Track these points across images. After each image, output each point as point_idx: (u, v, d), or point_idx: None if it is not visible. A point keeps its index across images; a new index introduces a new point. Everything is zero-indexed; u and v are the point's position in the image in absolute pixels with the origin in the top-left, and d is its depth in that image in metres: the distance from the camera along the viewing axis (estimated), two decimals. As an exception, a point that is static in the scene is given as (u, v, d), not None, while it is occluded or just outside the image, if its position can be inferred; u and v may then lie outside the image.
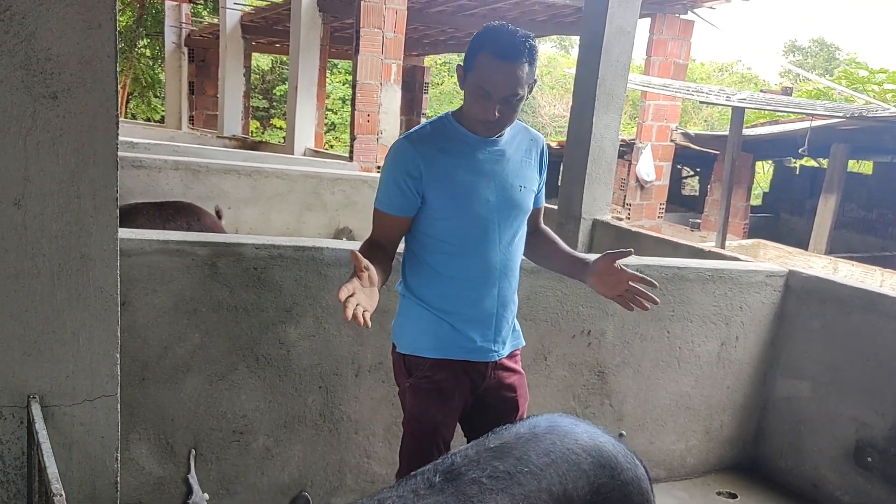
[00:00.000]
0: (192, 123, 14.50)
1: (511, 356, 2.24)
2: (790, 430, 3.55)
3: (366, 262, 1.83)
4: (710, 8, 8.96)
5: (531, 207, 2.19)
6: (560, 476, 1.71)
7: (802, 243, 11.54)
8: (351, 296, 1.74)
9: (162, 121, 16.98)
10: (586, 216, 4.57)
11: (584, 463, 1.76)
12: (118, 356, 1.84)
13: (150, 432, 2.54)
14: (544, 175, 2.23)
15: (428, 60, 18.05)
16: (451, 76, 25.11)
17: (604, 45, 4.34)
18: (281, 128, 21.44)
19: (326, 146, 16.83)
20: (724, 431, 3.63)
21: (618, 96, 4.48)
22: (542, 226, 2.38)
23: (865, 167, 15.39)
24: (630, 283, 2.09)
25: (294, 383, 2.74)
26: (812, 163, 15.18)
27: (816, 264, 8.77)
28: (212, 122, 14.23)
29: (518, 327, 2.27)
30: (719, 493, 3.47)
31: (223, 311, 2.57)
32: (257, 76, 21.29)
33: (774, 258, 8.99)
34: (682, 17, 8.84)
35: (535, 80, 2.01)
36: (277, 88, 22.19)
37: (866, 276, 8.37)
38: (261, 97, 21.87)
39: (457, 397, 2.14)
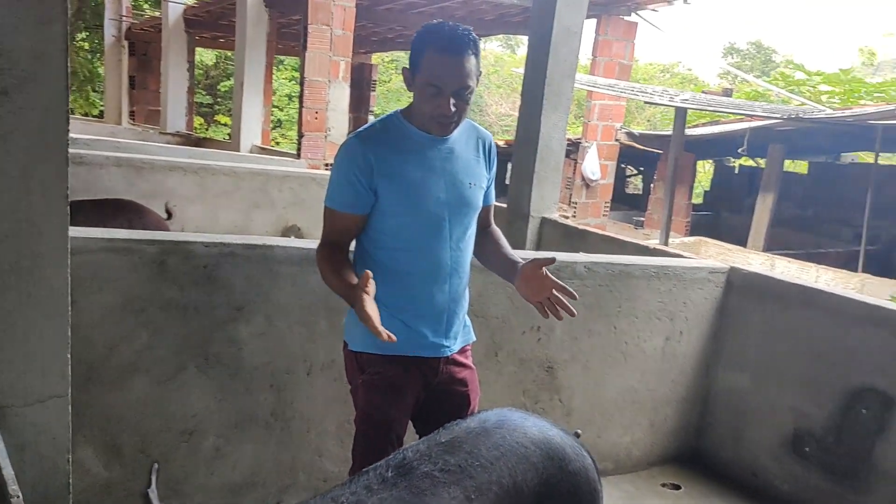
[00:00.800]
0: (133, 119, 14.17)
1: (462, 351, 2.26)
2: (731, 421, 3.66)
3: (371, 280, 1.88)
4: (653, 10, 9.16)
5: (481, 204, 2.21)
6: (510, 469, 1.75)
7: (742, 240, 11.88)
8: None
9: (101, 116, 16.54)
10: (535, 214, 4.63)
11: (533, 456, 1.80)
12: (69, 356, 1.82)
13: (97, 434, 2.49)
14: (493, 172, 2.26)
15: (375, 58, 18.00)
16: (399, 74, 25.08)
17: (552, 46, 4.41)
18: (226, 124, 21.12)
19: (272, 143, 16.64)
20: (668, 424, 3.72)
21: (565, 96, 4.56)
22: (493, 225, 2.40)
23: (801, 167, 15.92)
24: (553, 290, 2.09)
25: (245, 382, 2.72)
26: (750, 162, 15.64)
27: (755, 261, 9.06)
28: (153, 117, 13.94)
29: (469, 323, 2.30)
30: (664, 485, 3.55)
31: (172, 309, 2.54)
32: (201, 71, 20.92)
33: (715, 255, 9.25)
34: (626, 18, 9.01)
35: (481, 72, 2.04)
36: (222, 84, 21.85)
37: (802, 272, 8.68)
38: (204, 93, 21.50)
39: (409, 393, 2.15)
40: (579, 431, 2.09)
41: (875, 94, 15.43)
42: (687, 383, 3.71)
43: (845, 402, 3.18)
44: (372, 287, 1.87)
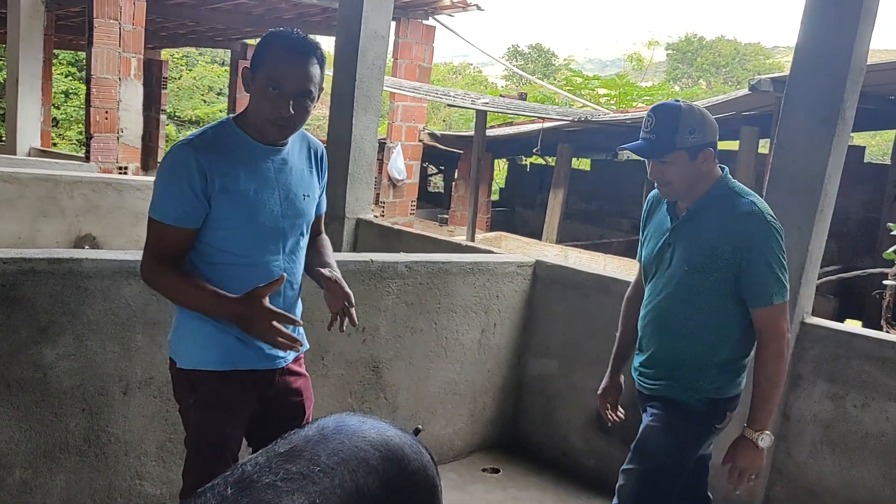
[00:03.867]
0: None
1: (296, 360, 2.23)
2: (543, 405, 3.92)
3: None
4: (450, 15, 9.49)
5: (314, 215, 2.20)
6: (351, 473, 1.76)
7: (535, 234, 12.63)
8: None
9: None
10: (350, 215, 4.66)
11: (373, 459, 1.82)
12: None
13: None
14: (324, 181, 2.26)
15: (164, 54, 17.08)
16: (190, 70, 23.93)
17: (360, 49, 4.46)
18: (-7, 125, 19.10)
19: (51, 145, 15.27)
20: (486, 412, 3.91)
21: (375, 98, 4.63)
22: (323, 234, 2.40)
23: (585, 164, 17.19)
24: (344, 301, 2.11)
25: (53, 408, 2.52)
26: (540, 160, 16.65)
27: (550, 252, 9.66)
28: None
29: (302, 331, 2.28)
30: (484, 470, 3.74)
31: (-34, 335, 2.31)
32: (-39, 66, 18.73)
33: (514, 248, 9.76)
34: (425, 22, 9.26)
35: (322, 89, 2.03)
36: (-14, 81, 19.70)
37: (592, 261, 9.38)
38: (-33, 90, 19.27)
39: (244, 409, 2.10)
40: (420, 427, 2.16)
41: (645, 97, 17.04)
42: (502, 373, 3.92)
43: (640, 379, 3.51)
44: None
